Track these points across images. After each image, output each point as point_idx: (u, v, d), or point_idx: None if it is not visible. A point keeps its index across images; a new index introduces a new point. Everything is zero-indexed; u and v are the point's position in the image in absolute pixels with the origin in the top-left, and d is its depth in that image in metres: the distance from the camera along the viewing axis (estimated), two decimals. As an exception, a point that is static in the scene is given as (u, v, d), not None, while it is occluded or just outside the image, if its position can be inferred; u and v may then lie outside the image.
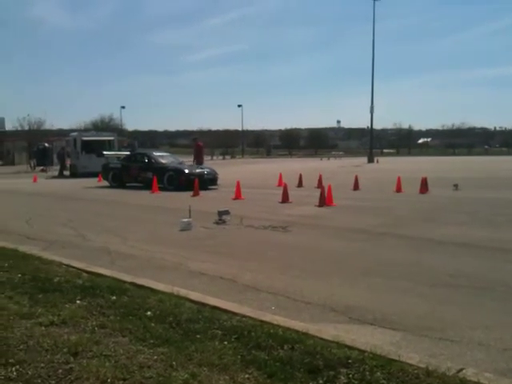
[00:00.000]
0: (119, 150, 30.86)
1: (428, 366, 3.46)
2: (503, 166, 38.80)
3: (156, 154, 23.09)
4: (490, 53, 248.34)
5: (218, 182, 21.06)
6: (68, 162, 34.55)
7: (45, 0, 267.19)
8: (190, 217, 10.56)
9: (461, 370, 3.44)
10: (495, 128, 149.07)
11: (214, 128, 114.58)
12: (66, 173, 33.41)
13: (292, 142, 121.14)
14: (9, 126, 63.90)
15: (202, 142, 25.81)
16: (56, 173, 34.33)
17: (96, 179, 24.86)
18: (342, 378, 3.32)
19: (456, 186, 17.97)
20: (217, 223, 10.85)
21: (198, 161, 23.04)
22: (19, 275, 6.01)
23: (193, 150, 24.76)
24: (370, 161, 52.54)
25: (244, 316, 4.60)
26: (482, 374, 3.40)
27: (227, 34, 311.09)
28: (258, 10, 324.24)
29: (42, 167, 40.00)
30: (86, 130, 61.71)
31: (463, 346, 4.14)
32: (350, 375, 3.34)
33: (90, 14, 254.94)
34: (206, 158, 28.15)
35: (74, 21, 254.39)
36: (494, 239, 8.70)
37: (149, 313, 4.61)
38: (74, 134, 35.95)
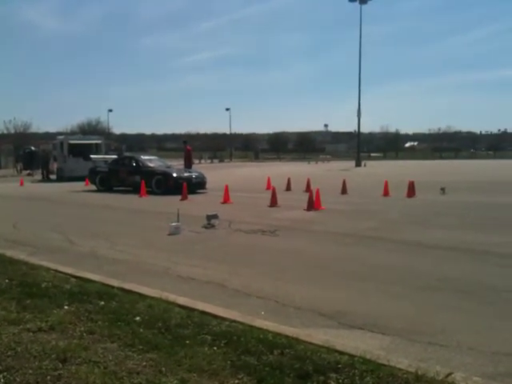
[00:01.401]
0: (106, 154, 30.71)
1: (417, 370, 3.48)
2: (490, 169, 39.15)
3: (144, 157, 23.00)
4: (477, 58, 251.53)
5: (207, 185, 21.02)
6: (54, 166, 34.30)
7: (35, 4, 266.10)
8: (178, 221, 10.52)
9: (450, 374, 3.46)
10: (481, 132, 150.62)
11: (202, 131, 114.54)
12: (53, 176, 33.13)
13: (280, 146, 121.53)
14: (-6, 129, 63.30)
15: (191, 146, 25.76)
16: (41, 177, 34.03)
17: (83, 183, 24.69)
18: (332, 382, 3.33)
19: (443, 189, 18.09)
20: (205, 227, 10.82)
21: (187, 164, 23.00)
22: (6, 280, 5.96)
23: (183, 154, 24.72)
24: (358, 165, 52.75)
25: (234, 321, 4.59)
26: (470, 378, 3.43)
27: (216, 39, 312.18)
28: (247, 15, 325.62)
29: (28, 171, 39.69)
30: (72, 134, 61.41)
31: (452, 351, 4.16)
32: (340, 380, 3.35)
33: (79, 17, 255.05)
34: (194, 162, 28.00)
35: (64, 25, 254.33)
36: (483, 243, 8.77)
37: (138, 318, 4.59)
38: (61, 137, 35.69)
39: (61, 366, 3.55)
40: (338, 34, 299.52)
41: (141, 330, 4.27)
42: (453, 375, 3.45)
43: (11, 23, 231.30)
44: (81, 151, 29.90)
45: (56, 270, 6.69)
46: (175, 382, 3.31)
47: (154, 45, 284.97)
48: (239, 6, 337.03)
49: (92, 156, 25.90)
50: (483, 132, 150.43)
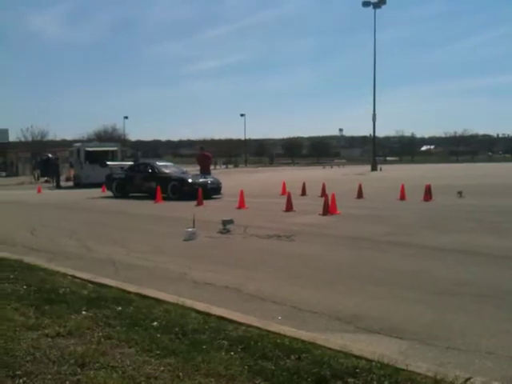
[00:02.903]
0: (123, 160, 30.93)
1: (436, 374, 3.45)
2: (507, 172, 38.71)
3: (159, 163, 23.13)
4: (492, 61, 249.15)
5: (222, 191, 21.07)
6: (71, 173, 34.56)
7: (44, 14, 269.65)
8: (194, 226, 10.55)
9: (469, 378, 3.43)
10: (498, 135, 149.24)
11: (216, 137, 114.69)
12: (65, 183, 33.28)
13: (294, 151, 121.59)
14: (12, 137, 64.10)
15: (208, 152, 25.64)
16: (61, 184, 34.21)
17: (100, 189, 24.88)
18: (350, 387, 3.30)
19: (460, 193, 17.91)
20: (221, 232, 10.84)
21: (204, 170, 22.90)
22: (24, 286, 6.02)
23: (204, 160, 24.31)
24: (374, 169, 52.40)
25: (250, 326, 4.59)
26: (490, 383, 3.40)
27: (228, 45, 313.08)
28: (258, 20, 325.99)
29: (45, 178, 40.07)
30: (89, 141, 61.90)
31: (471, 355, 4.12)
32: (358, 385, 3.33)
33: (91, 26, 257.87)
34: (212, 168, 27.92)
35: (75, 34, 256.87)
36: (500, 247, 8.68)
37: (155, 323, 4.61)
38: (78, 144, 36.03)
39: (79, 370, 3.58)
40: (349, 39, 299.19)
41: (158, 335, 4.29)
42: (472, 379, 3.41)
43: (24, 33, 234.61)
44: (97, 158, 30.16)
45: (73, 276, 6.75)
46: (192, 386, 3.32)
47: (166, 52, 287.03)
48: (248, 13, 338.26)
49: (108, 163, 26.10)
50: (500, 135, 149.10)
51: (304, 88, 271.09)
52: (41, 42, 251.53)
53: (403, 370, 3.56)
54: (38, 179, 41.67)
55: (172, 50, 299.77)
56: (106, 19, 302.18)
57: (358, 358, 3.80)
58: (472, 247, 8.71)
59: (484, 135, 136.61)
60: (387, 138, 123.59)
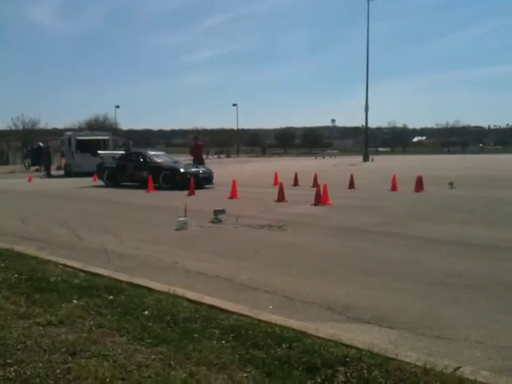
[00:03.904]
0: (114, 150, 30.77)
1: (425, 364, 3.48)
2: (498, 164, 38.93)
3: (151, 153, 23.06)
4: (485, 53, 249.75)
5: (214, 181, 21.04)
6: (62, 161, 34.35)
7: (39, 4, 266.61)
8: (185, 216, 10.54)
9: (458, 368, 3.46)
10: (489, 126, 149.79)
11: (209, 127, 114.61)
12: (56, 172, 33.06)
13: (287, 141, 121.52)
14: (3, 126, 64.11)
15: (201, 142, 25.52)
16: (52, 173, 34.01)
17: (91, 179, 24.78)
18: (340, 376, 3.32)
19: (451, 184, 18.02)
20: (213, 222, 10.84)
21: (197, 160, 22.82)
22: (16, 275, 5.99)
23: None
24: (366, 159, 52.61)
25: (241, 315, 4.61)
26: (479, 372, 3.42)
27: (222, 36, 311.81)
28: (252, 11, 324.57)
29: (36, 167, 39.82)
30: (80, 130, 61.54)
31: (460, 345, 4.16)
32: (348, 373, 3.35)
33: (85, 16, 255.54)
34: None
35: (69, 23, 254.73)
36: (491, 238, 8.74)
37: (146, 312, 4.61)
38: (69, 133, 35.75)
39: (70, 359, 3.58)
40: (344, 31, 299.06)
41: (149, 324, 4.29)
42: (461, 369, 3.44)
43: (16, 22, 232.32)
44: (88, 147, 29.97)
45: (65, 265, 6.73)
46: (184, 375, 3.32)
47: (159, 42, 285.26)
48: (244, 3, 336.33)
49: (99, 152, 25.98)
50: (491, 126, 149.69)
51: (297, 79, 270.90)
52: (34, 32, 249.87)
53: (393, 359, 3.59)
54: (29, 168, 41.42)
55: (166, 40, 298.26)
56: (100, 10, 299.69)
57: (348, 347, 3.83)
58: (463, 238, 8.76)
59: (475, 127, 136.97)
60: (379, 129, 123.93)
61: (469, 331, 4.44)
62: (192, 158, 23.35)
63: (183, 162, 23.11)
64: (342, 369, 3.42)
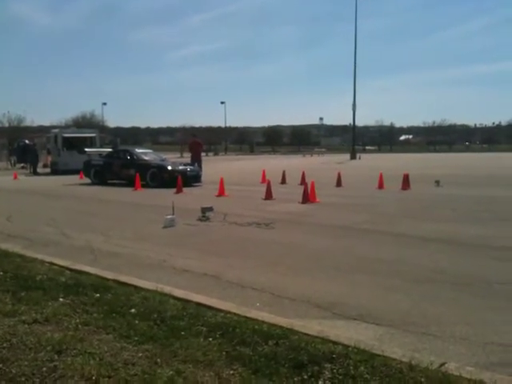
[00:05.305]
0: (101, 147, 30.61)
1: (411, 360, 3.51)
2: (484, 162, 39.26)
3: (138, 150, 22.96)
4: (472, 52, 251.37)
5: (202, 178, 21.01)
6: (48, 159, 34.07)
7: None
8: (173, 214, 10.52)
9: (443, 364, 3.49)
10: (475, 125, 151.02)
11: (197, 125, 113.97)
12: (42, 170, 32.76)
13: (275, 139, 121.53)
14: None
15: (199, 139, 25.48)
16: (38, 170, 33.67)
17: (77, 176, 24.61)
18: (327, 372, 3.34)
19: (438, 182, 18.16)
20: (200, 220, 10.83)
21: (195, 159, 22.80)
22: (1, 273, 5.94)
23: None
24: (353, 157, 52.83)
25: (228, 312, 4.61)
26: (463, 368, 3.45)
27: (210, 32, 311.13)
28: (241, 8, 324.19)
29: (22, 164, 39.45)
30: (67, 127, 61.06)
31: (445, 341, 4.19)
32: (335, 370, 3.36)
33: (71, 12, 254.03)
34: (188, 155, 27.71)
35: (55, 19, 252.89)
36: (477, 235, 8.81)
37: (133, 310, 4.59)
38: (55, 130, 35.47)
39: (56, 357, 3.55)
40: (332, 28, 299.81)
41: (136, 322, 4.27)
42: (446, 365, 3.48)
43: (1, 18, 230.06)
44: (75, 144, 29.80)
45: (51, 263, 6.68)
46: (171, 372, 3.32)
47: (147, 38, 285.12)
48: (231, 0, 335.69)
49: (86, 149, 25.84)
50: (478, 125, 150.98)
51: (286, 77, 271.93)
52: (20, 28, 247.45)
53: (379, 355, 3.61)
54: (15, 165, 41.04)
55: (154, 36, 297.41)
56: (88, 5, 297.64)
57: (334, 343, 3.84)
58: (449, 236, 8.83)
59: (462, 125, 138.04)
60: (366, 128, 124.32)
61: (454, 328, 4.48)
62: (190, 155, 23.33)
63: (170, 159, 23.02)
64: (328, 365, 3.43)
